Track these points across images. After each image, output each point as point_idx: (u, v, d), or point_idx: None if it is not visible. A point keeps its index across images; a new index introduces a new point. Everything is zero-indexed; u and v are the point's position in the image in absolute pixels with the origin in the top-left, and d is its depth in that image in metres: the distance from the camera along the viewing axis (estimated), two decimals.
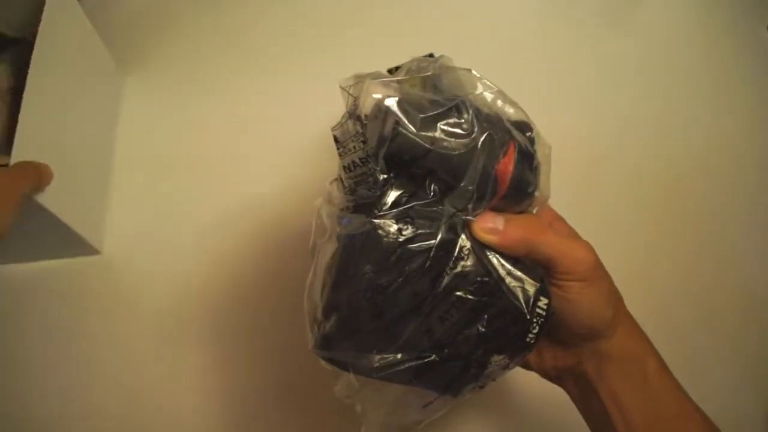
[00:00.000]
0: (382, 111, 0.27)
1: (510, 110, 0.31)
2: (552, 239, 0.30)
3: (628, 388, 0.32)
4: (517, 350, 0.29)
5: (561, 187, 0.56)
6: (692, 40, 0.66)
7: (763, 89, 0.63)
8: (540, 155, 0.31)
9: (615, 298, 0.33)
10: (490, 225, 0.29)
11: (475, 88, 0.30)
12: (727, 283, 0.54)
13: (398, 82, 0.29)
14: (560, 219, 0.35)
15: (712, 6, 0.68)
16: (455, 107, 0.28)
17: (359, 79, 0.29)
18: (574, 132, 0.59)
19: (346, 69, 0.29)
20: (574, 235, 0.34)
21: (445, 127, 0.28)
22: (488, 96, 0.31)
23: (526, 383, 0.39)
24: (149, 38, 0.62)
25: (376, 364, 0.28)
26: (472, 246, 0.28)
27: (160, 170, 0.55)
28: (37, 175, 0.39)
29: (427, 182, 0.28)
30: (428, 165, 0.28)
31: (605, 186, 0.57)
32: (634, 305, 0.53)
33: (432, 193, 0.28)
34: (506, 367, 0.30)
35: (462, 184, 0.28)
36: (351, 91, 0.29)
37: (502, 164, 0.28)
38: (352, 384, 0.30)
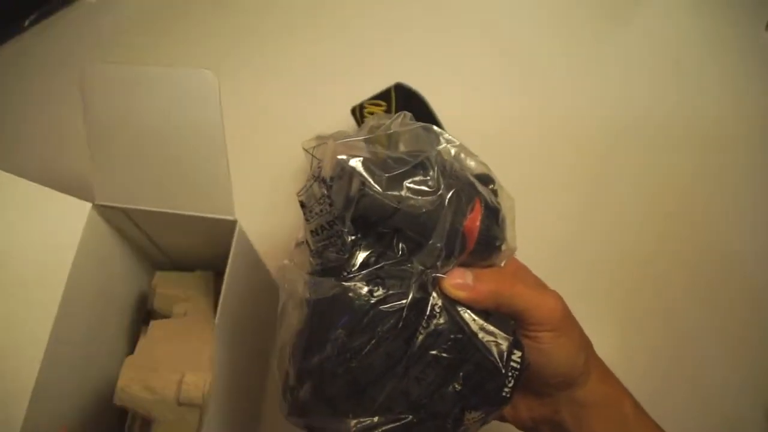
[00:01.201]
0: (346, 172, 0.27)
1: (472, 163, 0.31)
2: (522, 291, 0.30)
3: (608, 431, 0.32)
4: (494, 405, 0.29)
5: (569, 184, 0.57)
6: (691, 40, 0.66)
7: (763, 89, 0.63)
8: (504, 208, 0.31)
9: (586, 344, 0.33)
10: (459, 281, 0.29)
11: (438, 143, 0.30)
12: (730, 284, 0.54)
13: (362, 141, 0.29)
14: (525, 269, 0.35)
15: (711, 6, 0.68)
16: (420, 164, 0.28)
17: (322, 140, 0.29)
18: (574, 133, 0.59)
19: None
20: (541, 285, 0.34)
21: (411, 185, 0.27)
22: (451, 150, 0.31)
23: None
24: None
25: (353, 430, 0.27)
26: (443, 303, 0.28)
27: None
28: None
29: (395, 241, 0.28)
30: (396, 224, 0.27)
31: (608, 186, 0.57)
32: (638, 307, 0.53)
33: (400, 253, 0.28)
34: (483, 422, 0.30)
35: (430, 242, 0.28)
36: (314, 153, 0.28)
37: (470, 220, 0.28)
38: None
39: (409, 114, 0.31)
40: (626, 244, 0.55)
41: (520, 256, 0.34)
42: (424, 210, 0.27)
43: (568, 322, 0.32)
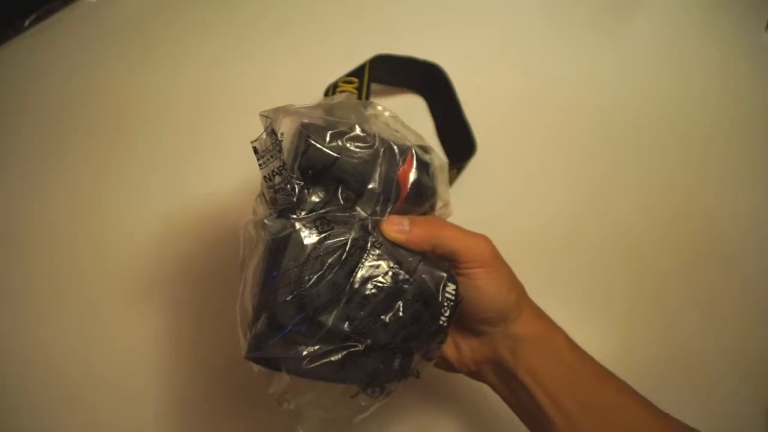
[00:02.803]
0: (296, 129, 0.32)
1: (409, 134, 0.36)
2: (454, 233, 0.34)
3: (544, 362, 0.34)
4: (433, 335, 0.32)
5: (567, 184, 0.57)
6: (691, 40, 0.66)
7: (764, 89, 0.63)
8: (437, 166, 0.36)
9: (517, 284, 0.36)
10: (397, 225, 0.33)
11: (379, 115, 0.35)
12: (729, 285, 0.54)
13: (311, 108, 0.33)
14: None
15: (711, 6, 0.68)
16: (359, 126, 0.33)
17: (276, 110, 0.33)
18: (574, 133, 0.59)
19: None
20: (470, 231, 0.37)
21: (350, 141, 0.32)
22: (390, 122, 0.35)
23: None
24: None
25: (305, 356, 0.30)
26: (383, 242, 0.32)
27: None
28: None
29: (339, 191, 0.32)
30: (338, 173, 0.32)
31: (607, 186, 0.57)
32: (636, 307, 0.53)
33: (344, 201, 0.32)
34: (427, 357, 0.33)
35: (369, 188, 0.32)
36: (270, 115, 0.32)
37: (403, 170, 0.33)
38: (285, 382, 0.32)
39: (354, 94, 0.36)
40: (625, 245, 0.55)
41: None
42: (362, 160, 0.32)
43: (497, 261, 0.35)
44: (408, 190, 0.33)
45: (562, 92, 0.62)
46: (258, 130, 0.32)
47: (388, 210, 0.33)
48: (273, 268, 0.31)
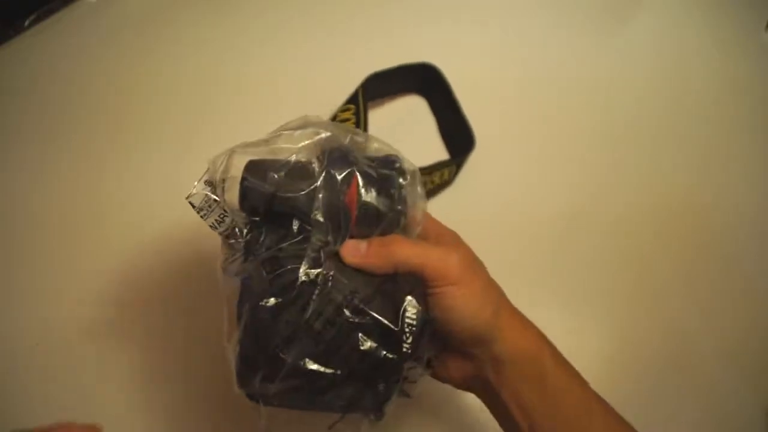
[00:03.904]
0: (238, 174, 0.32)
1: (374, 145, 0.35)
2: (413, 250, 0.32)
3: (527, 389, 0.32)
4: (397, 362, 0.31)
5: (565, 184, 0.57)
6: (691, 40, 0.66)
7: (764, 89, 0.63)
8: (410, 178, 0.34)
9: (493, 297, 0.33)
10: (353, 249, 0.32)
11: (333, 131, 0.34)
12: (729, 285, 0.54)
13: (261, 143, 0.33)
14: (450, 232, 0.36)
15: (711, 6, 0.68)
16: (296, 155, 0.32)
17: (228, 151, 0.33)
18: (571, 132, 0.59)
19: None
20: (450, 243, 0.35)
21: (289, 174, 0.32)
22: (346, 138, 0.34)
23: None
24: None
25: (273, 391, 0.31)
26: (335, 273, 0.31)
27: None
28: None
29: (293, 225, 0.32)
30: (281, 208, 0.32)
31: (607, 186, 0.57)
32: (636, 307, 0.53)
33: (298, 233, 0.32)
34: (410, 380, 0.33)
35: (313, 218, 0.31)
36: (221, 158, 0.32)
37: (348, 195, 0.32)
38: (268, 416, 0.32)
39: (312, 116, 0.35)
40: (625, 244, 0.55)
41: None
42: (302, 192, 0.31)
43: (467, 275, 0.32)
44: (356, 213, 0.32)
45: (562, 91, 0.62)
46: (257, 131, 0.32)
47: (341, 237, 0.32)
48: (237, 311, 0.31)
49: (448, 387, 0.37)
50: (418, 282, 0.32)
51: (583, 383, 0.34)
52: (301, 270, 0.31)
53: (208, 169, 0.32)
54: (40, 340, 0.48)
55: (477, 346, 0.33)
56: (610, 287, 0.53)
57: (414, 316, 0.31)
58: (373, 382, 0.32)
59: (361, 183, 0.32)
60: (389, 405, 0.33)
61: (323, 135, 0.34)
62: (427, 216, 0.36)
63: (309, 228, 0.32)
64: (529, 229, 0.54)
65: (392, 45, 0.61)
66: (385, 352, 0.31)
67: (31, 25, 0.62)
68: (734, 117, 0.62)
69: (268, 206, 0.32)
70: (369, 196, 0.33)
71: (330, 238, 0.32)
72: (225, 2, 0.65)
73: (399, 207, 0.33)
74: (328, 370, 0.31)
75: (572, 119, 0.60)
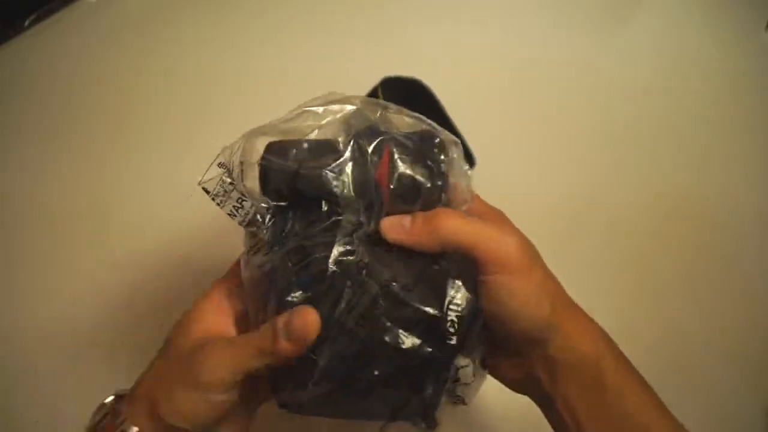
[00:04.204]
0: (258, 156, 0.29)
1: (408, 120, 0.31)
2: (466, 226, 0.27)
3: (584, 399, 0.28)
4: (443, 359, 0.28)
5: (564, 184, 0.57)
6: (691, 40, 0.66)
7: (764, 89, 0.63)
8: (451, 153, 0.31)
9: (551, 291, 0.29)
10: (395, 224, 0.28)
11: (360, 105, 0.31)
12: (729, 285, 0.54)
13: (279, 123, 0.30)
14: (496, 211, 0.32)
15: (711, 6, 0.68)
16: (318, 130, 0.29)
17: (249, 133, 0.30)
18: (571, 132, 0.59)
19: None
20: (505, 226, 0.30)
21: (312, 151, 0.29)
22: (376, 112, 0.31)
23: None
24: None
25: (307, 398, 0.28)
26: (370, 260, 0.28)
27: None
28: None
29: (322, 208, 0.29)
30: (306, 188, 0.28)
31: (606, 186, 0.57)
32: (636, 307, 0.53)
33: (329, 216, 0.28)
34: (463, 381, 0.30)
35: (341, 196, 0.28)
36: (235, 146, 0.30)
37: (380, 167, 0.29)
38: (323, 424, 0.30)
39: (337, 93, 0.32)
40: (625, 245, 0.54)
41: None
42: (327, 167, 0.28)
43: (527, 265, 0.28)
44: (390, 188, 0.29)
45: (562, 91, 0.62)
46: (256, 124, 0.31)
47: (375, 216, 0.29)
48: (258, 308, 0.29)
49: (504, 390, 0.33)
50: (467, 267, 0.28)
51: (648, 393, 0.30)
52: (330, 258, 0.27)
53: (221, 152, 0.29)
54: (40, 339, 0.48)
55: (529, 346, 0.29)
56: (609, 287, 0.53)
57: (461, 303, 0.27)
58: (420, 384, 0.28)
59: (395, 154, 0.29)
60: (439, 410, 0.29)
61: (349, 109, 0.30)
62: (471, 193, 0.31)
63: (339, 209, 0.28)
64: (528, 228, 0.54)
65: (392, 45, 0.61)
66: (429, 349, 0.27)
67: (31, 25, 0.62)
68: (734, 117, 0.62)
69: (292, 186, 0.28)
70: (405, 167, 0.29)
71: (363, 218, 0.29)
72: (225, 2, 0.65)
73: (439, 182, 0.30)
74: (366, 373, 0.27)
75: (572, 119, 0.60)
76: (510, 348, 0.30)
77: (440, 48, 0.61)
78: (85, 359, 0.48)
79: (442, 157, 0.30)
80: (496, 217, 0.32)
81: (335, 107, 0.30)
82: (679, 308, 0.52)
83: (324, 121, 0.30)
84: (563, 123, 0.60)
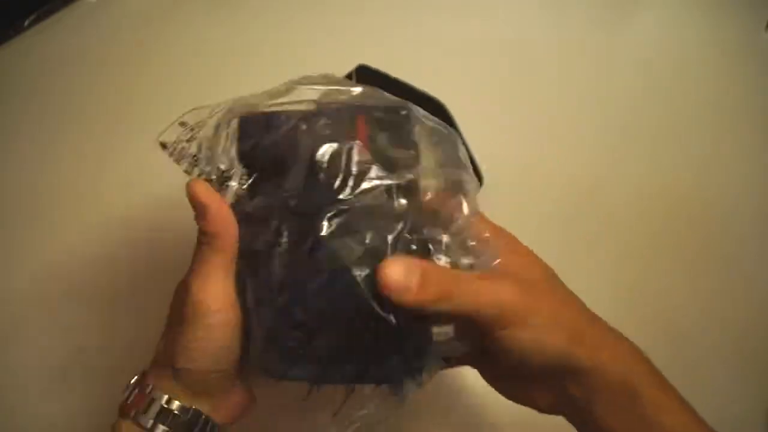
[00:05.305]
0: (230, 123, 0.30)
1: (389, 96, 0.32)
2: (467, 289, 0.26)
3: (620, 419, 0.28)
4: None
5: (563, 185, 0.57)
6: (691, 40, 0.66)
7: (764, 89, 0.63)
8: (419, 129, 0.30)
9: (565, 319, 0.28)
10: (401, 279, 0.25)
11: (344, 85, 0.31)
12: (729, 285, 0.54)
13: (258, 97, 0.31)
14: (500, 234, 0.32)
15: (711, 6, 0.68)
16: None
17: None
18: (570, 132, 0.59)
19: None
20: (503, 251, 0.30)
21: (291, 118, 0.30)
22: (344, 94, 0.31)
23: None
24: None
25: (276, 358, 0.29)
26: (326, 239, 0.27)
27: None
28: None
29: (300, 171, 0.29)
30: (279, 149, 0.29)
31: (606, 186, 0.57)
32: (636, 306, 0.53)
33: (305, 179, 0.28)
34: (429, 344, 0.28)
35: (316, 158, 0.28)
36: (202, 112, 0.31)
37: (358, 135, 0.29)
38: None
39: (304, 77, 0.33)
40: (625, 244, 0.54)
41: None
42: (301, 130, 0.29)
43: (529, 307, 0.27)
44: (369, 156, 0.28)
45: (561, 91, 0.62)
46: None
47: (353, 183, 0.28)
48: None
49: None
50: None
51: (688, 411, 0.29)
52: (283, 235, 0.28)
53: (183, 115, 0.31)
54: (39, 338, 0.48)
55: (554, 378, 0.28)
56: (609, 287, 0.53)
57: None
58: (397, 344, 0.27)
59: (368, 122, 0.29)
60: (425, 373, 0.28)
61: (326, 88, 0.31)
62: (472, 219, 0.30)
63: (318, 172, 0.28)
64: (527, 228, 0.54)
65: (393, 45, 0.61)
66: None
67: (31, 25, 0.62)
68: (734, 117, 0.62)
69: (268, 147, 0.29)
70: (378, 135, 0.29)
71: (338, 183, 0.28)
72: (225, 2, 0.65)
73: (412, 150, 0.29)
74: (326, 321, 0.27)
75: (570, 119, 0.60)
76: (536, 379, 0.30)
77: (437, 47, 0.62)
78: (76, 350, 0.48)
79: (414, 128, 0.30)
80: (500, 244, 0.31)
81: (317, 87, 0.32)
82: (679, 308, 0.52)
83: (304, 98, 0.31)
84: (561, 122, 0.60)
